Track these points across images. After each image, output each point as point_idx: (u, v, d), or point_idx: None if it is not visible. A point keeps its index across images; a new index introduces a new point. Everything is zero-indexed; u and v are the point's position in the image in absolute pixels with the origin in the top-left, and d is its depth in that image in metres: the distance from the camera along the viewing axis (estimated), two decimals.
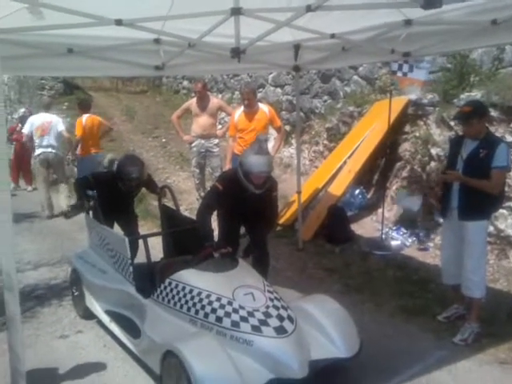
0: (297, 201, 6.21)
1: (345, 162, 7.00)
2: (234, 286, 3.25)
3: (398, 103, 6.70)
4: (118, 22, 3.23)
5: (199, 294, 3.25)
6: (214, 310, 3.13)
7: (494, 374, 3.46)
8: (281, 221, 6.68)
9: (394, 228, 6.23)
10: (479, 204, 3.79)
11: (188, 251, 4.01)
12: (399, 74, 5.55)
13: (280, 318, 3.08)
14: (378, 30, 4.12)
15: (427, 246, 5.84)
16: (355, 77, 8.49)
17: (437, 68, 6.97)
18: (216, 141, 7.08)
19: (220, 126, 8.23)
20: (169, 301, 3.41)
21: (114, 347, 3.88)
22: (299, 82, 6.81)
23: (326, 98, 9.08)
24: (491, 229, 5.10)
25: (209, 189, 4.50)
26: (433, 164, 6.14)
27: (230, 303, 3.13)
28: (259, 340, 2.96)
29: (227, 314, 3.08)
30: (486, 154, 3.74)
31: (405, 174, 6.65)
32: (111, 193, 4.43)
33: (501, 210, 4.97)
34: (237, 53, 3.72)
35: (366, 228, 6.57)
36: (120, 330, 3.75)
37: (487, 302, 3.95)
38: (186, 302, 3.29)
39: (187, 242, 4.15)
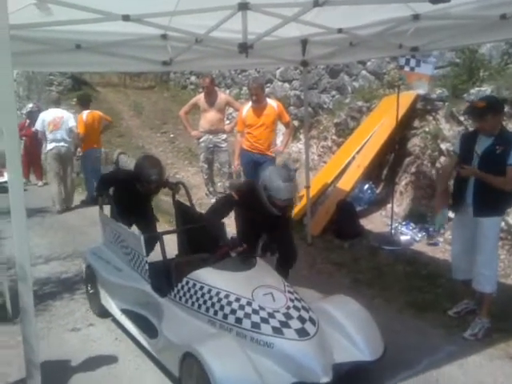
0: (306, 196, 6.22)
1: (353, 157, 6.99)
2: (253, 286, 3.18)
3: (407, 98, 6.67)
4: (126, 18, 3.25)
5: (218, 293, 3.18)
6: (233, 311, 3.06)
7: (505, 369, 3.45)
8: None
9: (404, 223, 6.22)
10: (494, 200, 3.76)
11: (203, 249, 3.97)
12: (406, 68, 5.52)
13: (301, 319, 3.00)
14: (386, 24, 4.10)
15: (437, 240, 5.82)
16: (363, 72, 8.46)
17: (445, 63, 6.92)
18: (224, 136, 7.10)
19: (228, 122, 8.25)
20: (186, 300, 3.35)
21: (125, 340, 3.92)
22: (307, 76, 6.78)
23: (334, 93, 9.06)
24: (502, 224, 5.07)
25: (223, 195, 4.45)
26: (442, 159, 6.11)
27: (249, 304, 3.06)
28: (280, 342, 2.89)
29: (247, 315, 3.01)
30: (502, 151, 3.69)
31: (414, 169, 6.62)
32: (129, 193, 4.36)
33: None
34: (244, 48, 3.72)
35: (375, 223, 6.57)
36: (136, 329, 3.70)
37: (498, 297, 3.92)
38: (205, 302, 3.22)
39: (203, 240, 4.09)
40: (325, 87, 9.20)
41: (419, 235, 5.96)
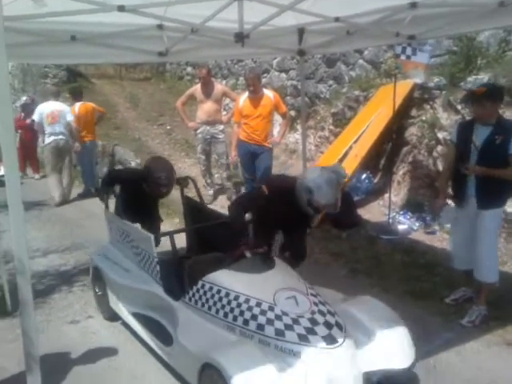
0: None
1: (351, 147, 6.97)
2: (274, 289, 2.98)
3: (404, 87, 6.65)
4: (121, 8, 3.21)
5: (236, 298, 2.97)
6: (254, 317, 2.86)
7: (503, 355, 3.49)
8: None
9: (401, 212, 6.22)
10: (497, 192, 3.75)
11: (215, 248, 3.80)
12: (403, 57, 5.48)
13: (328, 325, 2.80)
14: (383, 12, 4.06)
15: (434, 229, 5.83)
16: (360, 61, 8.42)
17: (443, 51, 6.90)
18: (221, 127, 7.08)
19: (225, 112, 8.22)
20: (203, 304, 3.14)
21: (124, 332, 3.93)
22: (304, 66, 6.75)
23: (331, 82, 9.02)
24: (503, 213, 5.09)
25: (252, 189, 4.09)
26: (439, 148, 6.11)
27: (271, 309, 2.87)
28: (307, 351, 2.68)
29: (270, 322, 2.81)
30: (502, 140, 3.65)
31: (411, 158, 6.62)
32: (135, 193, 4.20)
33: None
34: (240, 37, 3.69)
35: (372, 213, 6.57)
36: (149, 335, 3.50)
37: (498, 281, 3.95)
38: (223, 306, 3.01)
39: (215, 238, 3.91)
40: (322, 77, 9.17)
41: (417, 224, 5.97)
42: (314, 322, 2.79)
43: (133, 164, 8.86)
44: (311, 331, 2.75)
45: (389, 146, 6.91)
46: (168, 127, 11.31)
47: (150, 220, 4.50)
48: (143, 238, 3.71)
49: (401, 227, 5.95)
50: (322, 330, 2.76)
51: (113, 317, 4.09)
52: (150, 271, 3.69)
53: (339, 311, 2.98)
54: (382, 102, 6.95)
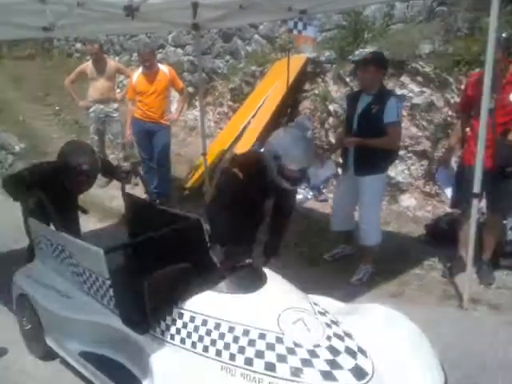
0: (203, 163, 6.18)
1: (249, 122, 7.04)
2: (276, 312, 2.35)
3: (298, 61, 6.80)
4: None
5: (231, 329, 2.31)
6: (259, 354, 2.21)
7: (387, 306, 3.79)
8: (188, 184, 6.63)
9: None
10: (374, 160, 3.92)
11: (175, 258, 2.86)
12: (295, 31, 5.59)
13: (351, 352, 2.22)
14: None
15: (326, 197, 6.10)
16: (256, 36, 8.46)
17: (333, 26, 7.13)
18: (115, 105, 6.81)
19: (119, 90, 7.91)
20: (182, 340, 2.42)
21: (65, 372, 3.19)
22: (200, 41, 6.66)
23: (228, 57, 8.98)
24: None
25: (220, 177, 3.32)
26: (331, 120, 6.36)
27: (279, 340, 2.23)
28: None
29: (281, 358, 2.18)
30: (377, 110, 3.83)
31: None
32: (52, 191, 3.37)
33: None
34: (130, 10, 3.55)
35: None
36: (108, 381, 2.69)
37: (380, 242, 4.25)
38: (213, 342, 2.32)
39: (175, 246, 3.04)
40: (218, 52, 9.09)
41: (311, 193, 6.19)
42: (334, 351, 2.22)
43: (17, 149, 8.23)
44: (335, 364, 2.16)
45: (285, 120, 7.07)
46: (56, 107, 10.62)
47: (70, 215, 3.82)
48: (88, 254, 2.92)
49: (297, 197, 6.14)
50: (346, 360, 2.19)
51: (51, 357, 3.31)
52: (99, 297, 2.94)
53: (352, 328, 2.43)
54: (277, 76, 7.06)
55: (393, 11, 6.72)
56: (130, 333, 2.67)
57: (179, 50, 9.93)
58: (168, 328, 2.50)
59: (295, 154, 2.83)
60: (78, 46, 13.01)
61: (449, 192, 4.27)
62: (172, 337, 2.48)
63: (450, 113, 5.42)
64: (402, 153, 5.69)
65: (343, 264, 4.51)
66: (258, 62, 7.98)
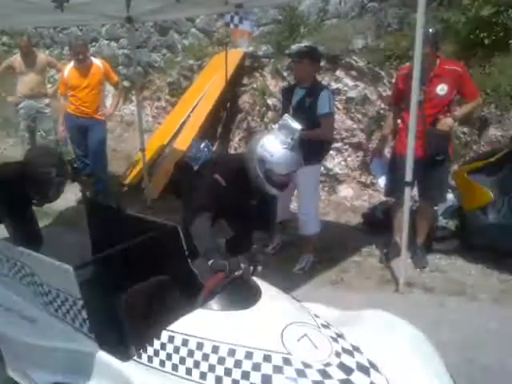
0: (141, 159, 6.07)
1: (189, 117, 6.98)
2: (278, 330, 2.10)
3: (235, 56, 6.81)
4: None
5: (232, 352, 2.02)
6: (266, 379, 1.93)
7: (327, 293, 3.90)
8: (126, 181, 6.51)
9: None
10: (310, 151, 3.91)
11: (151, 270, 2.60)
12: (231, 25, 5.58)
13: (363, 369, 2.01)
14: None
15: None
16: (193, 29, 8.37)
17: (269, 20, 7.19)
18: (47, 100, 6.54)
19: (50, 85, 7.61)
20: (175, 367, 2.09)
21: None
22: (135, 34, 6.52)
23: (164, 51, 8.84)
24: (321, 169, 5.56)
25: (200, 183, 3.05)
26: (270, 114, 6.42)
27: (287, 362, 1.97)
28: None
29: (292, 381, 1.93)
30: (310, 102, 3.92)
31: (245, 125, 6.85)
32: (13, 200, 3.05)
33: None
34: (59, 2, 3.43)
35: None
36: None
37: (320, 231, 4.34)
38: (212, 368, 2.01)
39: (150, 257, 2.73)
40: (155, 45, 8.94)
41: None
42: (346, 369, 2.00)
43: None
44: None
45: (224, 114, 7.07)
46: None
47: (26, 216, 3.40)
48: (54, 271, 2.54)
49: None
50: (359, 378, 1.97)
51: None
52: (69, 319, 2.54)
53: (358, 341, 2.20)
54: (215, 70, 7.04)
55: (327, 6, 6.85)
56: (109, 359, 2.29)
57: (113, 44, 9.66)
58: (156, 353, 2.15)
59: (285, 158, 2.67)
60: (5, 38, 12.36)
61: (382, 181, 4.43)
62: (162, 363, 2.13)
63: (382, 106, 5.61)
64: (338, 145, 5.86)
65: (284, 254, 4.57)
66: (195, 56, 7.91)
